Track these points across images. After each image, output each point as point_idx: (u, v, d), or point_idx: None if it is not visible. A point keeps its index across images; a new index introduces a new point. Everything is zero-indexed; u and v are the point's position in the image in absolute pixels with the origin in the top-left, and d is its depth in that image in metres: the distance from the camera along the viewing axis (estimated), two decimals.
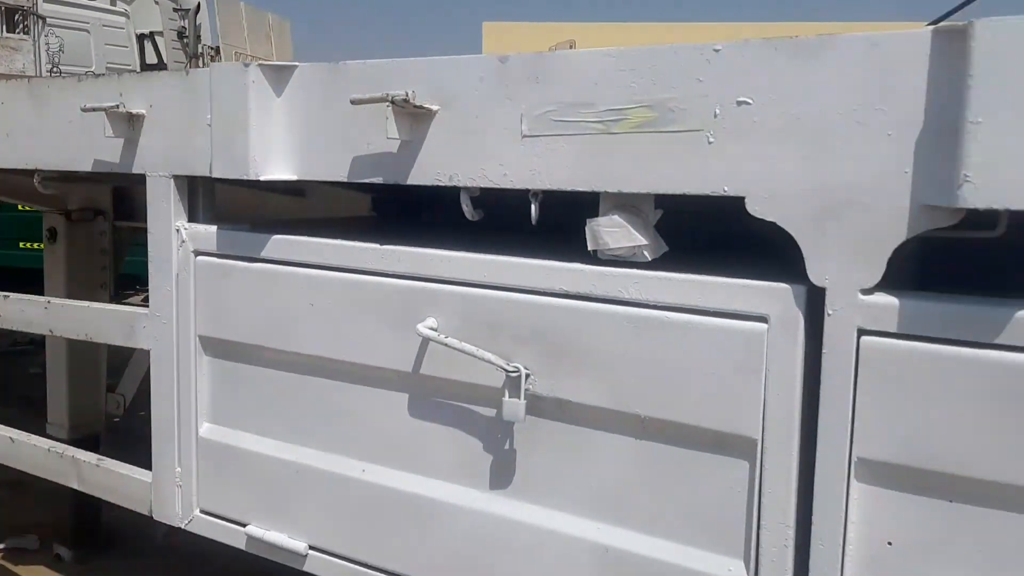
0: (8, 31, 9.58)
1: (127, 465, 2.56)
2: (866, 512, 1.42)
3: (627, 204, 1.64)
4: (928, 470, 1.35)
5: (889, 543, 1.40)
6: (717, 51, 1.47)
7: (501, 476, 1.80)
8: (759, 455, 1.49)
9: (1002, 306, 1.28)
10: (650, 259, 1.62)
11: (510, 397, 1.71)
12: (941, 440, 1.33)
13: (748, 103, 1.45)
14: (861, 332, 1.39)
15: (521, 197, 1.71)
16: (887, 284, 1.38)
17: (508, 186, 1.71)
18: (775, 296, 1.47)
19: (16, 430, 2.91)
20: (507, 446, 1.78)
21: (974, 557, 1.33)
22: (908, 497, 1.38)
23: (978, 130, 1.21)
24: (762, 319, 1.48)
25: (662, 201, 1.61)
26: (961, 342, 1.31)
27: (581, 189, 1.63)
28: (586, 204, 1.67)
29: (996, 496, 1.31)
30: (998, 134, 1.20)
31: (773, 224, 1.44)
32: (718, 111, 1.48)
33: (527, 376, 1.70)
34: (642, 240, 1.62)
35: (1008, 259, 1.64)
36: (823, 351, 1.42)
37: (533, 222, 1.71)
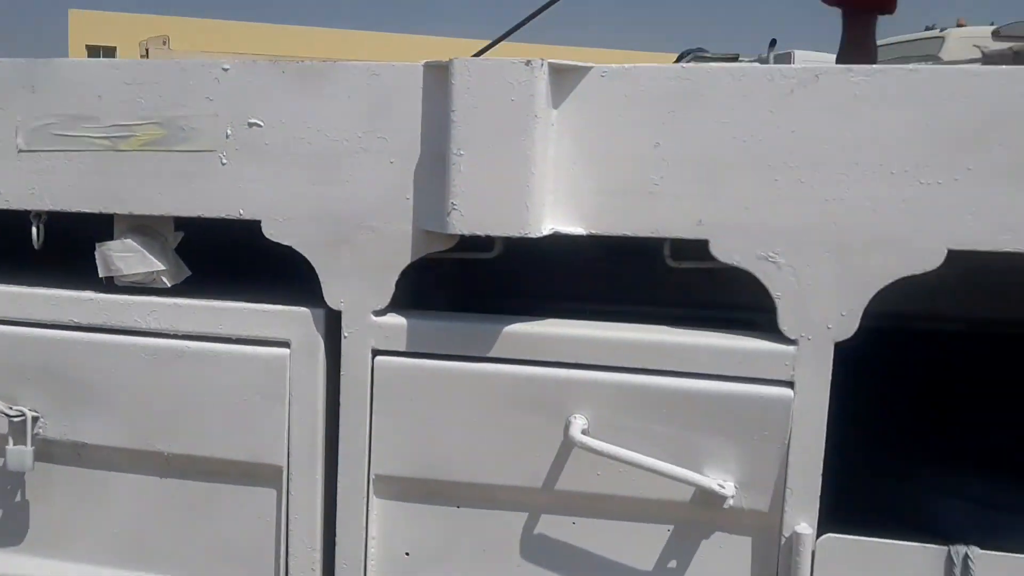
0: None
1: None
2: (385, 527, 1.46)
3: (143, 227, 1.53)
4: (437, 480, 1.42)
5: (407, 553, 1.46)
6: (226, 70, 1.43)
7: (11, 532, 1.59)
8: (285, 482, 1.47)
9: (491, 322, 1.39)
10: (170, 285, 1.53)
11: (15, 445, 1.52)
12: (446, 450, 1.41)
13: (259, 125, 1.42)
14: (375, 352, 1.43)
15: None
16: (401, 305, 1.43)
17: (4, 206, 1.52)
18: (295, 320, 1.46)
19: None
20: (17, 498, 1.59)
21: (478, 555, 1.44)
22: (421, 507, 1.45)
23: (461, 161, 1.30)
24: (284, 344, 1.46)
25: (187, 223, 1.53)
26: (459, 357, 1.40)
27: (88, 210, 1.50)
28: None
29: (492, 498, 1.42)
30: (476, 165, 1.30)
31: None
32: (230, 132, 1.43)
33: (35, 420, 1.52)
34: (160, 265, 1.52)
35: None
36: (342, 373, 1.44)
37: (36, 246, 1.54)
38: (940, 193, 1.22)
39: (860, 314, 1.26)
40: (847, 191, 1.25)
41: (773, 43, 15.71)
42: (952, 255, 1.23)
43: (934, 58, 13.02)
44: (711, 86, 1.28)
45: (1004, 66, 1.22)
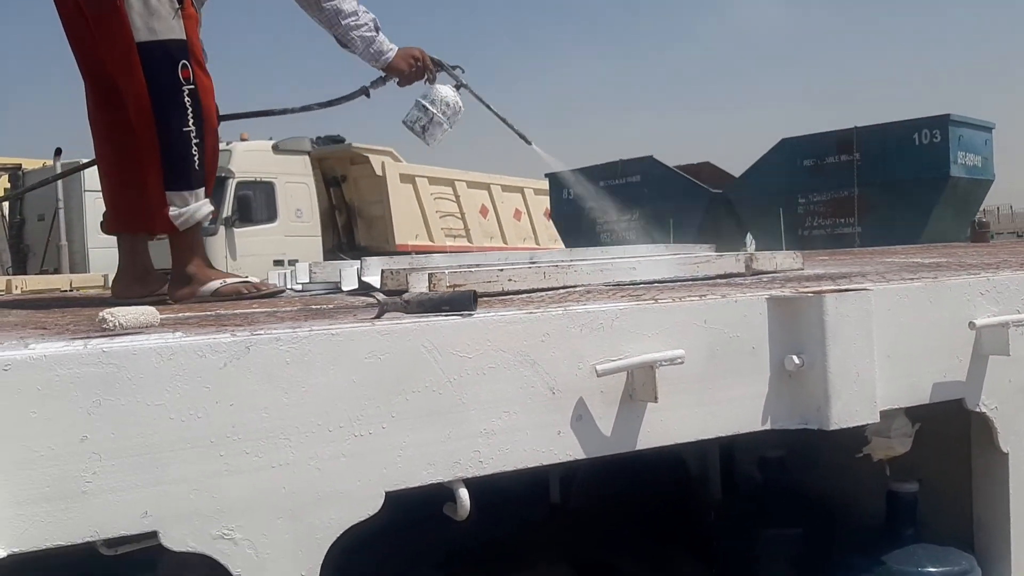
0: None
1: None
2: None
3: None
4: None
5: None
6: None
7: None
8: None
9: None
10: None
11: None
12: None
13: None
14: None
15: None
16: None
17: None
18: None
19: None
20: None
21: None
22: None
23: None
24: None
25: None
26: None
27: None
28: None
29: None
30: None
31: None
32: None
33: None
34: None
35: None
36: None
37: None
38: (372, 442, 1.34)
39: (318, 570, 1.30)
40: (291, 455, 1.28)
41: (58, 152, 14.88)
42: None
43: (225, 169, 13.89)
44: (137, 369, 1.20)
45: (402, 323, 1.39)
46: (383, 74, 2.81)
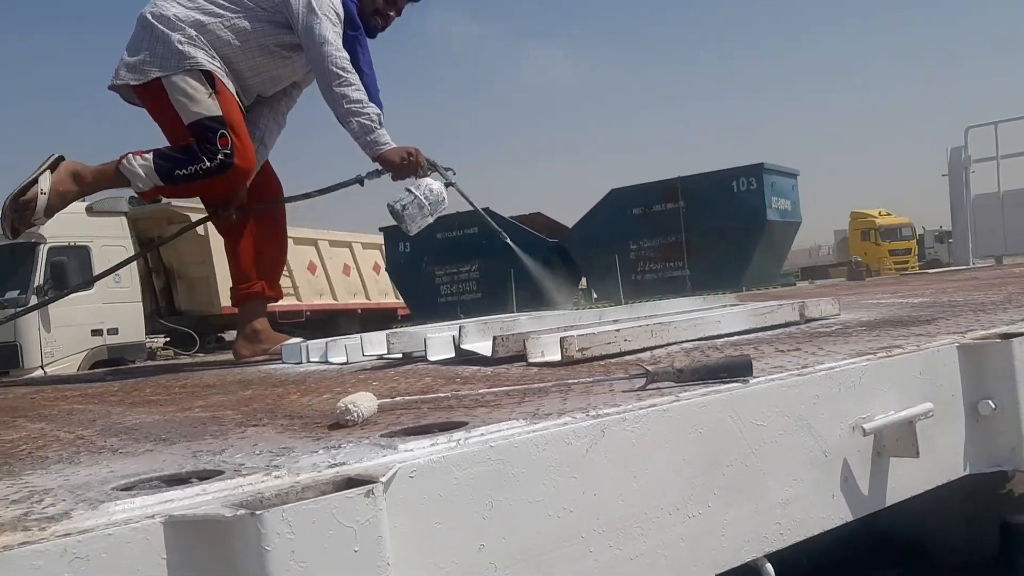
0: None
1: None
2: None
3: None
4: None
5: None
6: None
7: None
8: None
9: None
10: None
11: None
12: None
13: None
14: None
15: None
16: None
17: None
18: None
19: None
20: None
21: None
22: None
23: None
24: None
25: None
26: None
27: None
28: None
29: None
30: None
31: None
32: None
33: None
34: None
35: None
36: None
37: None
38: (702, 523, 1.26)
39: None
40: (644, 544, 1.18)
41: None
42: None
43: (36, 234, 12.60)
44: (520, 463, 1.07)
45: (709, 395, 1.32)
46: (379, 167, 2.97)
